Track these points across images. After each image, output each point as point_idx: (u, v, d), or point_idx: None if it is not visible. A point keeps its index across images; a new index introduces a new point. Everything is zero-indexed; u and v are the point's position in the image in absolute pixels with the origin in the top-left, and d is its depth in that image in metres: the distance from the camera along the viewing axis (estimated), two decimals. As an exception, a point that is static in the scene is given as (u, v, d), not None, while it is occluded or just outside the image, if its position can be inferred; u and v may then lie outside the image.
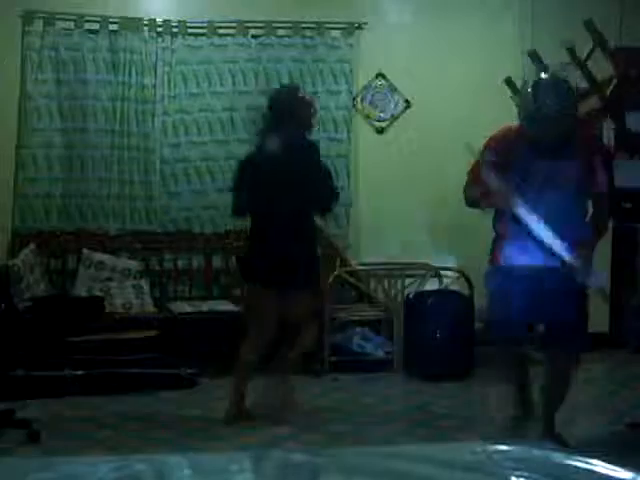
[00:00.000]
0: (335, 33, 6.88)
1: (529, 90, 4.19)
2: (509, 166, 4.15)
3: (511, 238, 4.22)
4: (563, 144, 4.11)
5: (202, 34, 6.72)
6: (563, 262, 4.07)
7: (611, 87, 5.54)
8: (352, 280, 6.62)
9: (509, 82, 6.32)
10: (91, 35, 6.57)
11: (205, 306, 6.34)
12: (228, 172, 6.73)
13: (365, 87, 6.99)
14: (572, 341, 4.31)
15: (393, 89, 7.00)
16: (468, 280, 6.41)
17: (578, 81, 5.56)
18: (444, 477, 1.78)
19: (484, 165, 4.18)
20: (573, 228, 4.10)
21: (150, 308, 6.32)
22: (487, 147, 4.29)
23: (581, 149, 4.17)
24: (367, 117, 7.02)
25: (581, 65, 5.73)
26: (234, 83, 6.74)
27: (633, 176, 5.67)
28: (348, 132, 6.89)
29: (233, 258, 6.54)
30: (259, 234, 4.97)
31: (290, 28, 6.82)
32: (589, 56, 5.78)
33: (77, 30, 6.53)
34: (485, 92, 6.87)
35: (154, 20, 6.66)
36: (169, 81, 6.69)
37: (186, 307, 6.32)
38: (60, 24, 6.51)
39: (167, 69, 6.69)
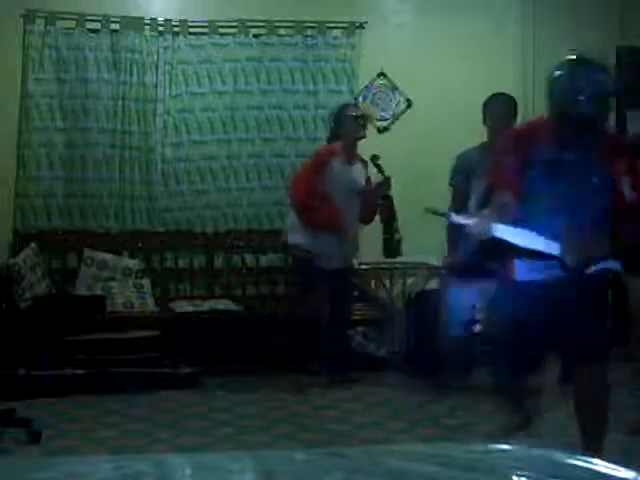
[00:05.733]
0: (336, 32, 6.88)
1: (560, 74, 3.66)
2: (528, 167, 3.66)
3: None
4: (593, 142, 3.62)
5: (203, 33, 6.72)
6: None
7: None
8: (353, 279, 6.61)
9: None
10: (92, 34, 6.57)
11: (206, 305, 6.34)
12: (229, 171, 6.76)
13: (366, 86, 7.00)
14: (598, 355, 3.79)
15: (394, 88, 7.01)
16: (469, 279, 6.40)
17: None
18: (445, 476, 1.78)
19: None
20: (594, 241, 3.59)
21: (151, 307, 6.32)
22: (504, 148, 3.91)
23: (609, 151, 3.65)
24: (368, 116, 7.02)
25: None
26: (235, 82, 6.74)
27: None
28: (349, 131, 6.89)
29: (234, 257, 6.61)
30: None
31: (291, 27, 6.82)
32: None
33: (78, 29, 6.53)
34: (486, 91, 6.86)
35: (155, 19, 6.66)
36: (170, 80, 6.69)
37: (187, 306, 6.32)
38: (61, 23, 6.51)
39: (168, 68, 6.69)
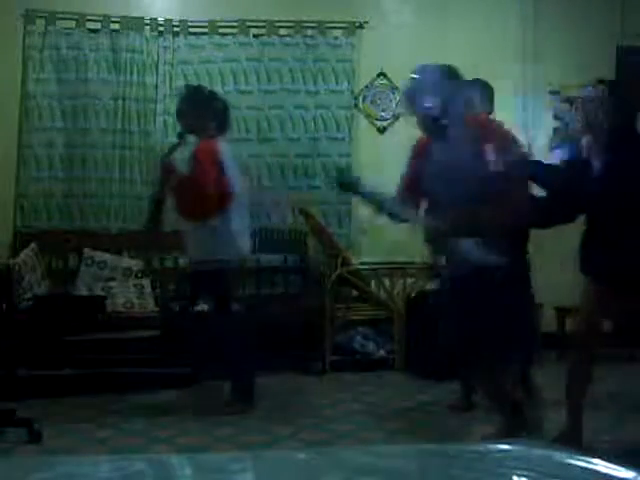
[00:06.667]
0: (336, 32, 6.89)
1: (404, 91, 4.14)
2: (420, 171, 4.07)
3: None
4: (446, 138, 3.91)
5: (203, 33, 6.73)
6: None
7: None
8: (353, 279, 6.62)
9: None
10: (92, 34, 6.58)
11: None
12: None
13: (367, 86, 7.00)
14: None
15: (394, 88, 7.00)
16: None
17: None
18: (445, 476, 1.78)
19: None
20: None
21: (151, 307, 6.32)
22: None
23: (471, 140, 3.86)
24: (368, 116, 7.02)
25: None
26: (235, 82, 6.74)
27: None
28: (349, 131, 6.90)
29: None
30: None
31: (291, 27, 6.83)
32: None
33: (78, 29, 6.54)
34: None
35: (155, 19, 6.67)
36: (170, 80, 6.70)
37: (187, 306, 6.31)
38: (61, 23, 6.52)
39: (168, 68, 6.70)
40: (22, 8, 6.42)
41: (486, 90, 4.79)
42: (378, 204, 4.03)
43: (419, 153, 4.14)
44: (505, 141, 3.94)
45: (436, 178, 3.93)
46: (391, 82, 7.00)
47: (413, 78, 3.99)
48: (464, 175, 3.83)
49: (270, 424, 4.98)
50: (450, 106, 3.89)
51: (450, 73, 4.00)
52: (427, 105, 3.87)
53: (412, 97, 3.96)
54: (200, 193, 5.05)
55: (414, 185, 4.08)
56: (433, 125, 3.93)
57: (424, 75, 3.97)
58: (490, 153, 3.79)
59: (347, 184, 4.13)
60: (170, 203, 5.24)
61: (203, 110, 5.19)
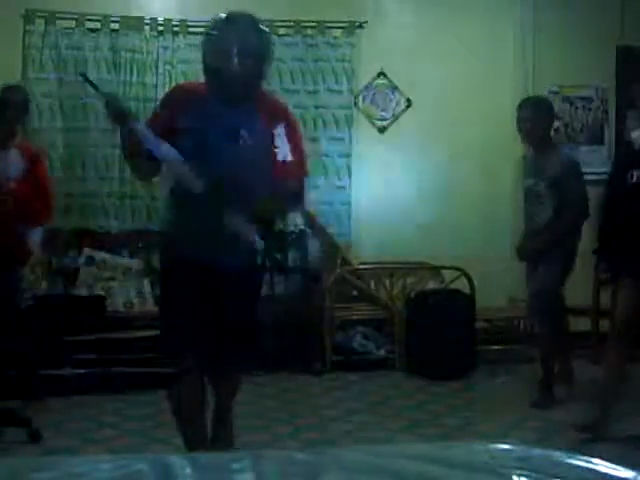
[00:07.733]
0: (336, 32, 6.88)
1: (210, 33, 3.70)
2: (184, 124, 3.50)
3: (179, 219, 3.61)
4: (245, 104, 3.53)
5: (203, 33, 6.72)
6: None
7: None
8: (353, 279, 6.62)
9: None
10: (92, 34, 6.56)
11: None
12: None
13: (366, 86, 6.99)
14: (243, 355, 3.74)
15: (394, 88, 7.00)
16: (469, 279, 6.41)
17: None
18: (445, 476, 1.78)
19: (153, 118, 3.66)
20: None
21: (151, 307, 6.31)
22: (165, 98, 3.83)
23: (265, 114, 3.53)
24: (368, 116, 7.02)
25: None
26: (235, 82, 6.74)
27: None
28: (349, 131, 6.89)
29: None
30: None
31: (291, 27, 6.82)
32: None
33: (78, 29, 6.53)
34: (486, 91, 6.88)
35: (155, 19, 6.66)
36: (170, 80, 6.68)
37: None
38: (61, 23, 6.50)
39: (168, 68, 6.69)
40: (22, 8, 6.41)
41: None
42: (140, 142, 3.42)
43: (182, 102, 3.62)
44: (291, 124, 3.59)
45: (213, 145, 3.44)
46: (391, 82, 6.99)
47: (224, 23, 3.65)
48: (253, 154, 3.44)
49: (271, 423, 4.99)
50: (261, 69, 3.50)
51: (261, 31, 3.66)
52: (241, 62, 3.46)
53: (217, 45, 3.63)
54: (46, 194, 5.11)
55: (165, 135, 3.45)
56: (230, 84, 3.48)
57: (234, 26, 3.64)
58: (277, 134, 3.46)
59: (119, 115, 3.56)
60: None
61: (24, 111, 5.17)
